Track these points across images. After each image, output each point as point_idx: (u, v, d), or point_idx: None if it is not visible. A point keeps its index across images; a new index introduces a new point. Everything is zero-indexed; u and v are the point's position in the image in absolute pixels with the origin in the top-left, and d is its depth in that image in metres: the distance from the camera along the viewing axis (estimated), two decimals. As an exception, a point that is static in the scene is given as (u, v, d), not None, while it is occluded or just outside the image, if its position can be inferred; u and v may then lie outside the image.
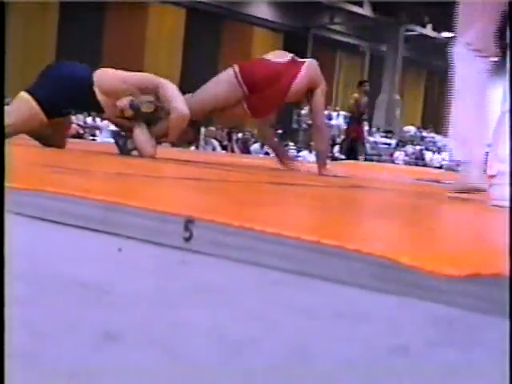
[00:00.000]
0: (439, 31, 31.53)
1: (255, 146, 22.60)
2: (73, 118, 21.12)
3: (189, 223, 1.27)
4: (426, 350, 0.79)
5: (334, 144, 23.52)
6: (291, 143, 25.03)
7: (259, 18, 28.00)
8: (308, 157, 22.56)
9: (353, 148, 16.83)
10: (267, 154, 21.22)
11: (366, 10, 28.25)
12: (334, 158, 20.17)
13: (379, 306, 1.00)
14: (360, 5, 28.02)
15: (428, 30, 31.20)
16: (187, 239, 1.27)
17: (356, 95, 16.40)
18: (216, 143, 19.80)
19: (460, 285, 1.04)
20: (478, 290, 1.03)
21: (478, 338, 0.87)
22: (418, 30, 30.91)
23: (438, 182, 6.71)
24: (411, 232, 1.78)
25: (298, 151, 24.12)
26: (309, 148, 24.25)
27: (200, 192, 2.45)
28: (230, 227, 1.27)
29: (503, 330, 0.88)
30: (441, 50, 27.65)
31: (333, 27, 30.95)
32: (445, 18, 30.51)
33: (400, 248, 1.34)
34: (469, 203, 3.26)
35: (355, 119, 16.39)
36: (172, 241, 1.29)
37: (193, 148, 16.19)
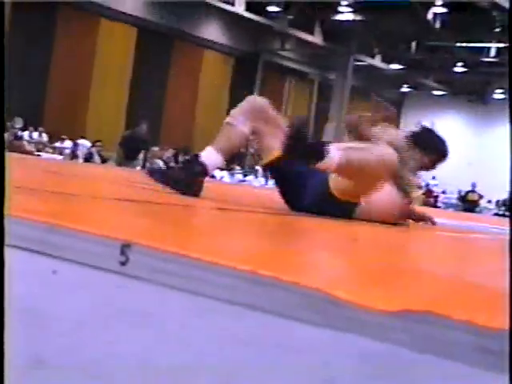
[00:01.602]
0: (388, 63, 32.06)
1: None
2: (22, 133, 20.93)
3: (125, 247, 1.26)
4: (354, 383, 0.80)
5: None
6: (238, 167, 25.09)
7: (210, 40, 28.10)
8: (254, 181, 22.63)
9: None
10: (213, 176, 21.22)
11: (316, 38, 28.54)
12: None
13: (310, 338, 1.00)
14: (311, 32, 28.30)
15: (377, 61, 31.66)
16: (123, 263, 1.26)
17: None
18: (161, 163, 19.66)
19: (392, 320, 1.04)
20: (408, 325, 1.03)
21: (407, 374, 0.87)
22: (367, 60, 31.33)
23: None
24: (350, 264, 1.77)
25: (245, 175, 24.18)
26: (254, 172, 24.33)
27: (140, 215, 2.43)
28: (166, 253, 1.27)
29: (433, 367, 0.88)
30: (388, 81, 28.12)
31: (283, 53, 31.21)
32: (394, 50, 31.05)
33: (335, 281, 1.33)
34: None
35: None
36: (108, 264, 1.28)
37: (138, 168, 16.13)
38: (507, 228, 5.87)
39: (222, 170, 22.09)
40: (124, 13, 24.53)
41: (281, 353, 0.89)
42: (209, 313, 1.10)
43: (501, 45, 28.16)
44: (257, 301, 1.15)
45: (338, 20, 27.17)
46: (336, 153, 3.66)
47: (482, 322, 1.04)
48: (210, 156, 4.11)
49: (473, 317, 1.06)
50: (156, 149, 19.91)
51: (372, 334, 1.01)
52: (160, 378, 0.73)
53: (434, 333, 1.01)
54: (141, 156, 17.68)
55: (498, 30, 25.82)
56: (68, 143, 21.89)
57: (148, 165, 18.00)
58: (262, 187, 18.47)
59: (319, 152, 3.66)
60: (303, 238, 2.74)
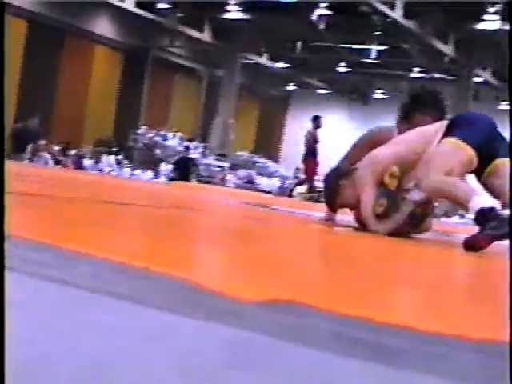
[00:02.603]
0: (274, 61, 32.76)
1: (89, 162, 22.84)
2: None
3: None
4: (221, 372, 0.80)
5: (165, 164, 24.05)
6: (126, 161, 25.37)
7: (100, 35, 28.22)
8: (142, 175, 22.97)
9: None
10: (101, 170, 21.53)
11: (205, 36, 28.94)
12: (171, 179, 20.72)
13: (178, 327, 0.99)
14: (200, 30, 28.69)
15: (264, 60, 32.29)
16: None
17: (310, 129, 16.91)
18: (48, 157, 19.46)
19: (257, 309, 1.07)
20: (273, 314, 1.06)
21: (271, 363, 0.86)
22: (255, 58, 31.90)
23: (265, 206, 7.04)
24: (224, 255, 1.84)
25: (134, 169, 24.47)
26: (143, 167, 24.68)
27: (20, 208, 2.34)
28: (40, 244, 1.29)
29: (297, 355, 0.89)
30: (275, 79, 28.88)
31: (173, 50, 31.53)
32: (280, 49, 31.76)
33: (206, 272, 1.40)
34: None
35: (311, 152, 16.73)
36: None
37: (26, 161, 16.21)
38: None
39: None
40: (13, 5, 24.43)
41: (148, 342, 0.89)
42: (81, 302, 1.08)
43: (381, 47, 29.35)
44: (127, 291, 1.14)
45: (227, 18, 27.65)
46: None
47: (345, 310, 1.09)
48: None
49: (336, 306, 1.11)
50: (43, 142, 19.71)
51: (237, 323, 1.00)
52: (30, 366, 0.74)
53: (298, 321, 1.03)
54: (29, 149, 17.69)
55: (378, 33, 26.92)
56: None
57: (35, 158, 17.99)
58: (151, 181, 18.85)
59: None
60: (180, 230, 2.74)
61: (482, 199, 3.77)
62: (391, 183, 4.42)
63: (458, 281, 2.47)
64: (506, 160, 4.14)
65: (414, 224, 4.51)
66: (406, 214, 4.36)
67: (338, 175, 4.82)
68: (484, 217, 3.63)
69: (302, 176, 18.52)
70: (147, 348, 0.85)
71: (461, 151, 4.15)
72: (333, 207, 4.93)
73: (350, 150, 5.25)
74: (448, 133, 4.28)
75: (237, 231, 3.18)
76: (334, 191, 4.76)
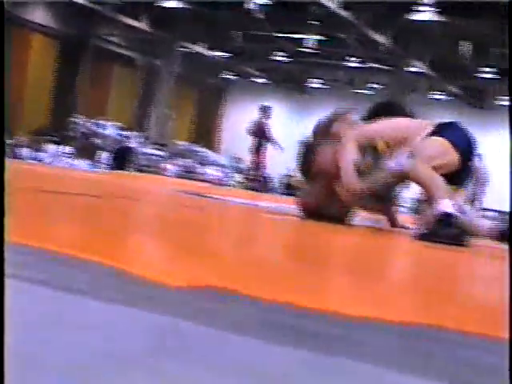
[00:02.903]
0: (212, 50, 32.73)
1: (25, 151, 22.62)
2: None
3: None
4: (144, 357, 0.79)
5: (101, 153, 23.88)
6: (67, 148, 25.13)
7: (37, 23, 27.88)
8: (81, 165, 22.79)
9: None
10: (40, 160, 21.30)
11: (143, 24, 28.81)
12: (110, 168, 20.60)
13: (100, 314, 0.98)
14: (138, 19, 28.54)
15: (201, 49, 32.26)
16: None
17: (259, 119, 16.65)
18: None
19: (179, 295, 1.07)
20: (194, 300, 1.06)
21: (193, 348, 0.85)
22: (192, 47, 31.86)
23: (201, 195, 7.09)
24: (153, 243, 1.85)
25: (72, 159, 24.26)
26: (82, 156, 24.47)
27: None
28: None
29: (219, 341, 0.89)
30: (213, 68, 28.72)
31: (110, 38, 31.31)
32: (218, 38, 31.73)
33: (132, 258, 1.40)
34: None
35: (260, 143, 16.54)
36: None
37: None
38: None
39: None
40: None
41: (69, 328, 0.87)
42: (13, 292, 1.02)
43: (318, 37, 29.56)
44: (52, 278, 1.13)
45: (165, 7, 27.58)
46: None
47: (270, 297, 1.09)
48: None
49: (261, 293, 1.11)
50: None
51: (159, 309, 1.00)
52: None
53: (220, 307, 1.03)
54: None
55: (315, 23, 27.11)
56: None
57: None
58: (89, 171, 18.72)
59: None
60: (111, 219, 2.73)
61: (448, 204, 4.18)
62: (382, 149, 4.69)
63: (390, 269, 2.53)
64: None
65: (381, 196, 4.89)
66: (384, 177, 4.70)
67: (313, 143, 5.01)
68: (446, 220, 4.09)
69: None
70: (71, 334, 0.84)
71: (449, 153, 4.49)
72: (308, 174, 5.10)
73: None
74: (436, 133, 4.59)
75: (167, 219, 3.19)
76: (310, 158, 4.97)
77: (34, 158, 21.97)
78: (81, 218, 2.52)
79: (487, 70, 28.91)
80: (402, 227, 5.16)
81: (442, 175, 4.37)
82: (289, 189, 27.66)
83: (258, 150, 16.84)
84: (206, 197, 6.79)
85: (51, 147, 24.34)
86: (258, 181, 17.08)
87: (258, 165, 17.23)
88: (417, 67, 28.68)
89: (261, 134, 16.56)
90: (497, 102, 32.58)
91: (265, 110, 16.85)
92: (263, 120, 16.69)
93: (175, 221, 3.14)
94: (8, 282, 0.96)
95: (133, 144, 26.05)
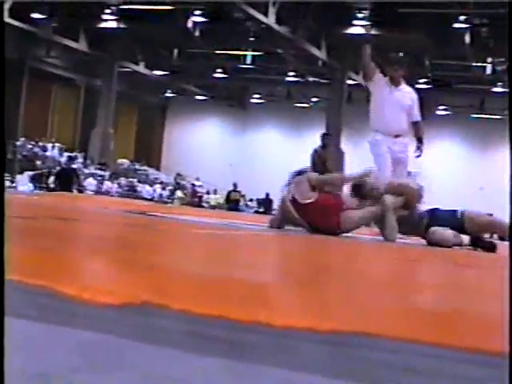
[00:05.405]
0: (151, 69, 32.86)
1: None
2: None
3: None
4: (68, 375, 0.79)
5: (49, 175, 23.86)
6: (7, 174, 25.00)
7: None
8: (23, 188, 22.72)
9: None
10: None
11: (81, 45, 28.82)
12: (50, 189, 20.64)
13: (29, 333, 0.97)
14: (76, 40, 28.54)
15: (141, 68, 32.38)
16: None
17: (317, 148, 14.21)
18: None
19: (111, 312, 1.06)
20: (127, 316, 1.05)
21: (124, 363, 0.86)
22: (132, 66, 31.94)
23: (145, 213, 7.13)
24: (90, 262, 1.83)
25: (12, 182, 24.18)
26: (23, 178, 24.36)
27: None
28: None
29: (151, 354, 0.89)
30: (153, 86, 28.73)
31: (49, 60, 31.22)
32: (156, 57, 31.85)
33: (61, 278, 1.35)
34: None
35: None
36: None
37: None
38: (263, 224, 6.49)
39: None
40: None
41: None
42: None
43: (256, 53, 29.96)
44: None
45: (102, 28, 27.69)
46: None
47: (199, 310, 1.08)
48: None
49: (190, 306, 1.10)
50: None
51: (91, 326, 1.00)
52: None
53: (152, 322, 1.04)
54: None
55: (252, 39, 27.46)
56: None
57: None
58: (31, 192, 18.68)
59: None
60: (50, 240, 2.68)
61: None
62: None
63: (325, 276, 2.42)
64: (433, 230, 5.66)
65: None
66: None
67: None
68: None
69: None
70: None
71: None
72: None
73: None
74: None
75: (107, 238, 3.21)
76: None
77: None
78: (16, 240, 2.32)
79: (422, 80, 29.49)
80: None
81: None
82: (229, 203, 27.66)
83: None
84: (146, 214, 6.94)
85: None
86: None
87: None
88: (353, 79, 29.18)
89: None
90: (438, 112, 33.30)
91: (323, 139, 14.26)
92: (319, 149, 14.23)
93: (113, 239, 3.17)
94: None
95: (75, 165, 26.09)
